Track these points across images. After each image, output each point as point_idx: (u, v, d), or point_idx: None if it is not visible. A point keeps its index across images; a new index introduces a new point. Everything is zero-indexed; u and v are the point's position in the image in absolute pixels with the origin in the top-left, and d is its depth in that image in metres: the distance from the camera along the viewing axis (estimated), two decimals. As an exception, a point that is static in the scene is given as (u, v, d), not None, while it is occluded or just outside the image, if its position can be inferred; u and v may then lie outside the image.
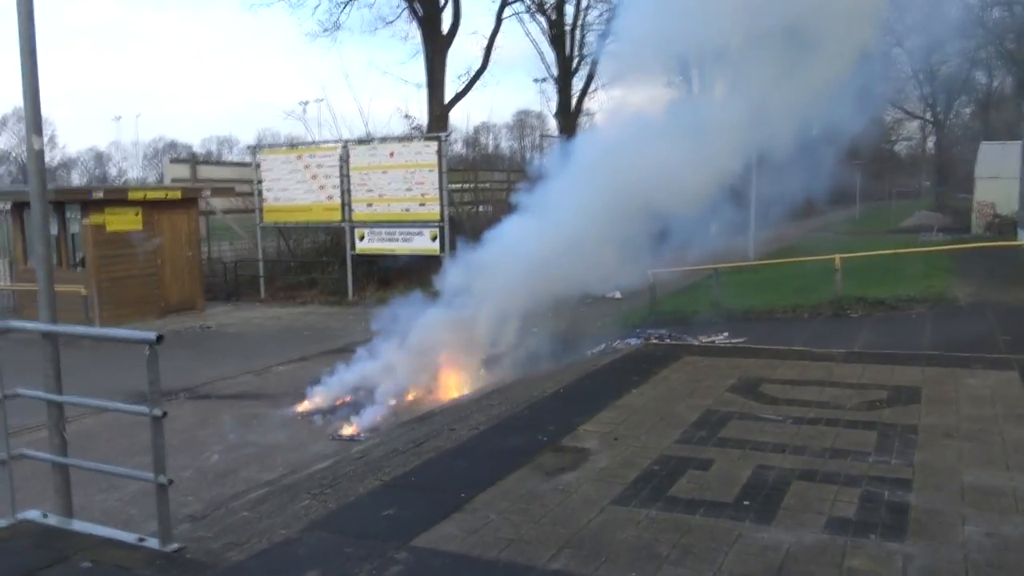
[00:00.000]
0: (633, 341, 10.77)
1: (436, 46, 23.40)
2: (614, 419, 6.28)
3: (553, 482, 4.99)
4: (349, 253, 18.53)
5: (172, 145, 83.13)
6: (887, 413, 6.17)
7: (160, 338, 4.16)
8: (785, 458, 5.24)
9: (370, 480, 5.28)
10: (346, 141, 18.85)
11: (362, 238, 18.42)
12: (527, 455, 5.50)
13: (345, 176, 18.36)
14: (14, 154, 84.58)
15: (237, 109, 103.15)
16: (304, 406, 9.52)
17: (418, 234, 17.64)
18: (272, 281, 20.16)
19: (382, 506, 4.73)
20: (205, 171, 22.80)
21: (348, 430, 8.38)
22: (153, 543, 4.34)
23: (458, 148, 32.25)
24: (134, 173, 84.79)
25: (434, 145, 17.54)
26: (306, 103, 31.47)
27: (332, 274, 19.36)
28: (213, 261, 21.41)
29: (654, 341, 10.50)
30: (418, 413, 8.82)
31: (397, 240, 18.02)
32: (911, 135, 56.28)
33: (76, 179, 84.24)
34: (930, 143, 55.48)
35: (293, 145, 19.90)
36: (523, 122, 74.20)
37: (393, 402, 9.22)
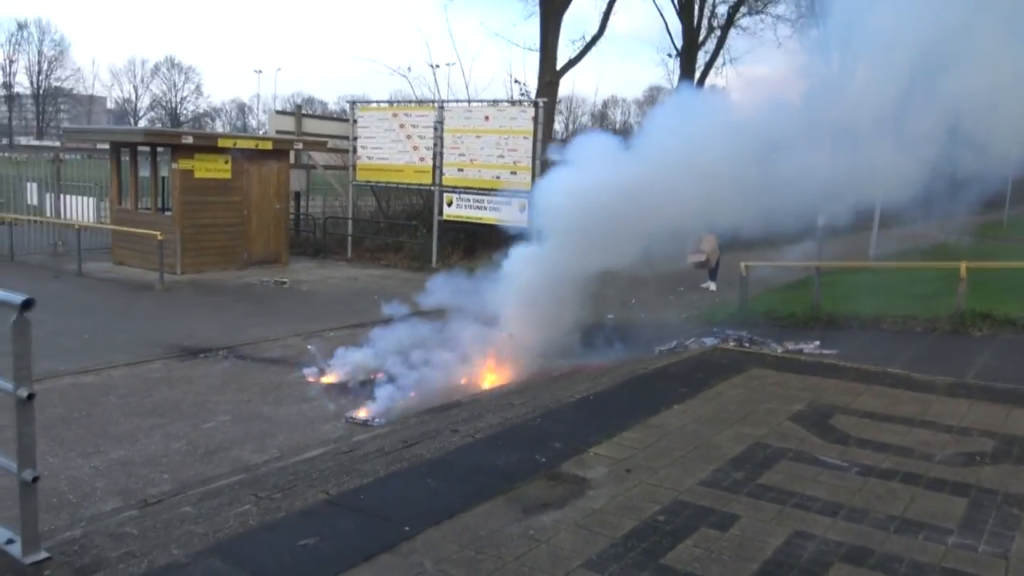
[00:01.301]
0: (709, 341, 9.53)
1: (552, 8, 22.25)
2: (638, 442, 5.18)
3: (527, 523, 3.97)
4: (436, 218, 17.82)
5: (309, 101, 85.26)
6: (987, 473, 4.81)
7: (29, 302, 3.36)
8: (834, 524, 4.03)
9: (317, 491, 4.41)
10: (443, 101, 18.08)
11: (450, 203, 17.67)
12: (512, 480, 4.50)
13: (439, 138, 17.62)
14: (167, 99, 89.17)
15: (372, 68, 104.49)
16: (334, 377, 8.82)
17: (507, 203, 16.69)
18: (361, 241, 19.75)
19: (307, 531, 3.86)
20: (310, 124, 22.55)
21: (363, 412, 7.59)
22: (18, 549, 3.60)
23: (585, 120, 31.08)
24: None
25: (531, 111, 16.51)
26: (436, 66, 31.03)
27: (419, 239, 18.74)
28: (309, 217, 21.24)
29: (731, 344, 9.22)
30: (449, 399, 7.98)
31: (485, 208, 17.16)
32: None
33: (220, 127, 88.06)
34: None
35: (389, 102, 19.26)
36: (654, 98, 72.09)
37: (424, 383, 8.37)
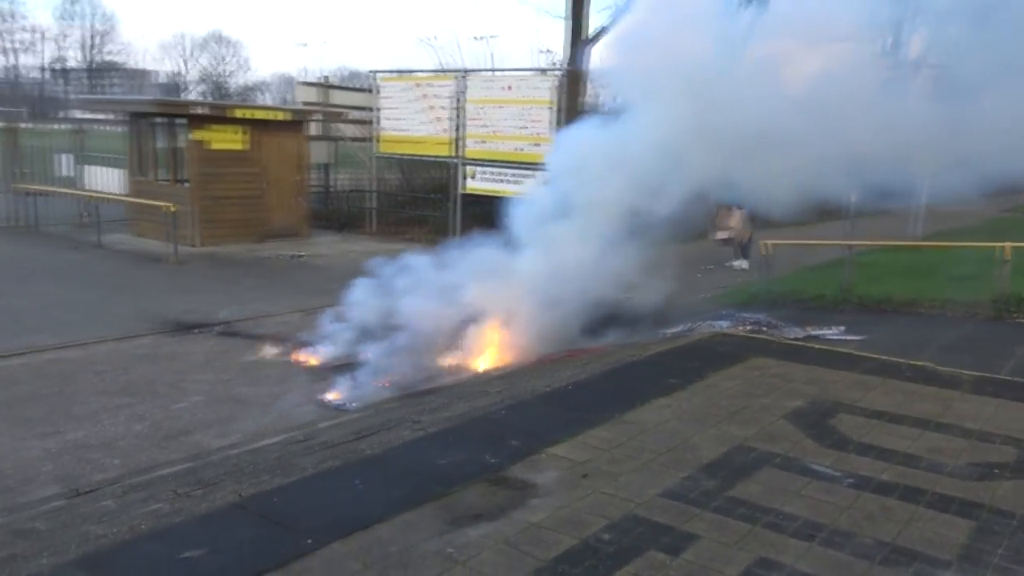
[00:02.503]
0: (722, 324, 8.88)
1: (583, -27, 21.37)
2: (605, 441, 4.62)
3: (449, 538, 3.47)
4: (458, 192, 17.30)
5: (354, 74, 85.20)
6: (1005, 489, 4.15)
7: None
8: (809, 551, 3.44)
9: (231, 491, 3.96)
10: (465, 71, 17.48)
11: (472, 176, 17.11)
12: (448, 484, 3.99)
13: (460, 109, 17.04)
14: (214, 73, 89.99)
15: (416, 41, 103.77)
16: (323, 356, 8.39)
17: (529, 177, 16.09)
18: (385, 215, 19.34)
19: (199, 540, 3.41)
20: (337, 96, 22.13)
21: (338, 395, 7.14)
22: None
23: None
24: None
25: (551, 80, 15.82)
26: (480, 38, 30.57)
27: (441, 213, 18.25)
28: (335, 190, 20.89)
29: (746, 328, 8.57)
30: (432, 382, 7.51)
31: (507, 181, 16.57)
32: None
33: (268, 100, 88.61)
34: None
35: (411, 72, 18.69)
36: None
37: (414, 363, 7.89)
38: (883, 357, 6.83)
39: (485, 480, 4.06)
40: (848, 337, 8.29)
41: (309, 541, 3.38)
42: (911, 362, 6.70)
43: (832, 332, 8.54)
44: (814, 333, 8.48)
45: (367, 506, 3.75)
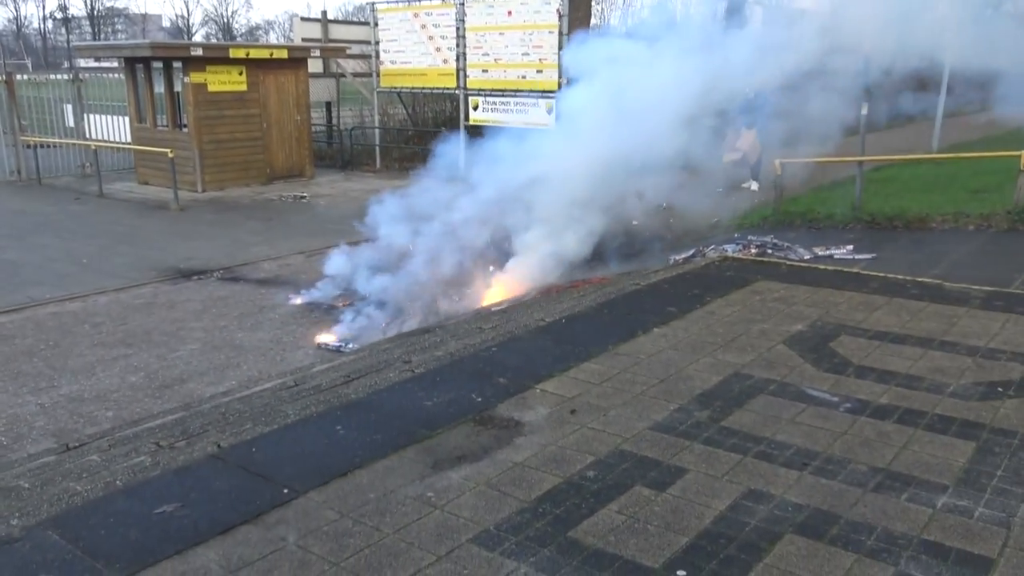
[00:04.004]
0: (730, 248, 8.68)
1: None
2: (596, 375, 4.50)
3: (430, 482, 3.38)
4: (463, 123, 16.96)
5: (359, 8, 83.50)
6: (1007, 408, 4.00)
7: None
8: (800, 481, 3.32)
9: (209, 441, 3.89)
10: (464, -2, 16.95)
11: (476, 107, 16.74)
12: (433, 426, 3.90)
13: (461, 38, 16.58)
14: (218, 14, 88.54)
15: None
16: (318, 299, 8.30)
17: (533, 105, 15.72)
18: (389, 151, 19.07)
19: (174, 494, 3.35)
20: (337, 30, 21.61)
21: (334, 337, 7.07)
22: None
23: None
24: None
25: (555, 2, 15.28)
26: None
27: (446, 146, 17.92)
28: (338, 127, 20.57)
29: (753, 251, 8.37)
30: (433, 319, 7.43)
31: (511, 111, 16.21)
32: None
33: (273, 39, 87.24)
34: None
35: (409, 1, 18.17)
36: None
37: (414, 302, 7.81)
38: (890, 275, 6.62)
39: (471, 420, 3.96)
40: (857, 256, 8.07)
41: (285, 491, 3.31)
42: (918, 279, 6.49)
43: (840, 252, 8.31)
44: (822, 254, 8.26)
45: (348, 452, 3.66)
